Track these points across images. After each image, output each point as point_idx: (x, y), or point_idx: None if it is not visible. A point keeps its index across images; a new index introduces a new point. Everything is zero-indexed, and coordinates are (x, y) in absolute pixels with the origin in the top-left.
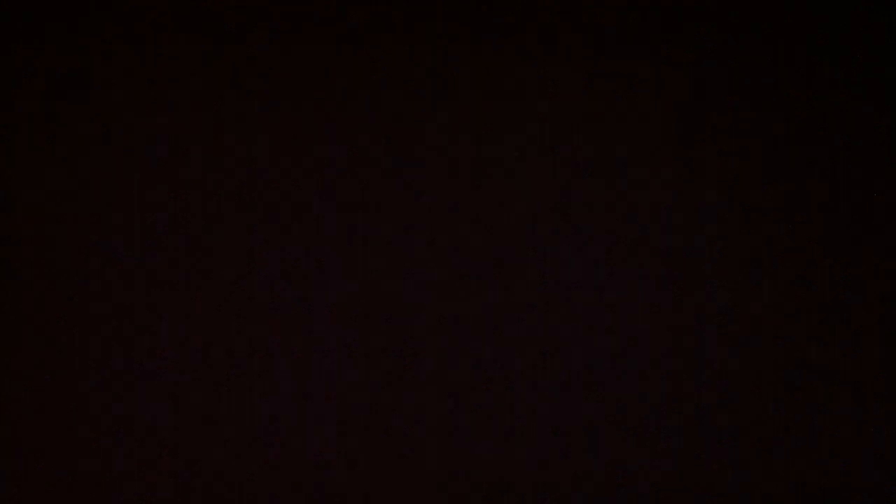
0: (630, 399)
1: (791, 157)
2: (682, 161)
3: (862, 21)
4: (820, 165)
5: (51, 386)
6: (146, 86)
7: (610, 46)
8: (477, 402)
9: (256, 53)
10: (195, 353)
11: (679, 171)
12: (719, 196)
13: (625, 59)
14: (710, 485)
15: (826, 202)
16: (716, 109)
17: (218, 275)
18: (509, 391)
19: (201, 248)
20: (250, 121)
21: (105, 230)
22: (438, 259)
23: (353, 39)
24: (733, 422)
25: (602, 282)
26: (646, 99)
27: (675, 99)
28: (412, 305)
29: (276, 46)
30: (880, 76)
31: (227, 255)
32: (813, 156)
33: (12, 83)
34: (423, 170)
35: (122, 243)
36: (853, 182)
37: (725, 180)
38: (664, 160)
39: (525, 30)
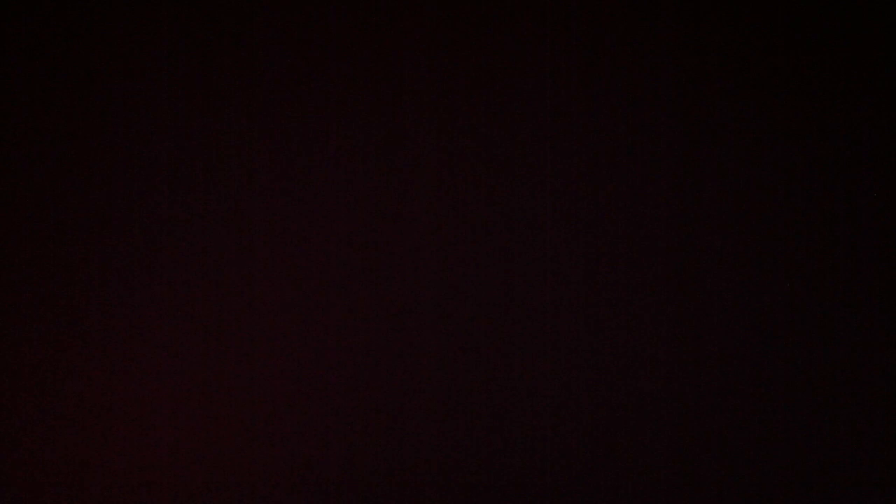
0: (630, 399)
1: (791, 157)
2: (682, 161)
3: (862, 21)
4: (820, 165)
5: (51, 386)
6: (146, 85)
7: (610, 46)
8: (478, 402)
9: (256, 53)
10: (194, 353)
11: (679, 171)
12: (719, 196)
13: (625, 59)
14: (711, 485)
15: (826, 202)
16: (716, 109)
17: (217, 274)
18: (510, 391)
19: (201, 247)
20: (250, 121)
21: (105, 230)
22: (439, 259)
23: (354, 39)
24: (733, 422)
25: (603, 281)
26: (646, 99)
27: (675, 99)
28: (413, 305)
29: (276, 47)
30: (881, 76)
31: (226, 255)
32: (813, 156)
33: (12, 83)
34: (422, 170)
35: (122, 243)
36: (853, 182)
37: (725, 180)
38: (664, 160)
39: (525, 29)
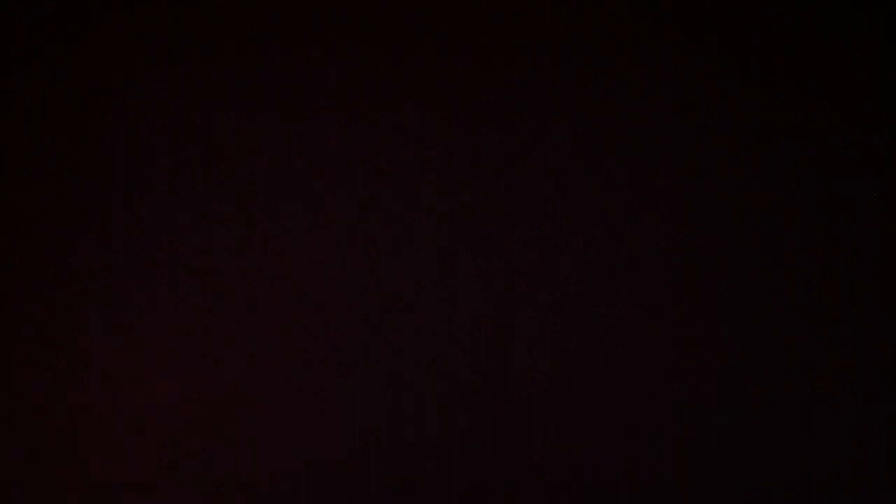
0: (630, 399)
1: (791, 157)
2: (682, 161)
3: (862, 21)
4: (820, 165)
5: (51, 386)
6: (146, 85)
7: (610, 46)
8: (478, 402)
9: (256, 53)
10: (194, 352)
11: (679, 172)
12: (719, 197)
13: (625, 59)
14: (710, 485)
15: (826, 202)
16: (716, 109)
17: (217, 274)
18: (510, 391)
19: (199, 248)
20: (250, 121)
21: (105, 230)
22: (439, 259)
23: (354, 39)
24: (733, 422)
25: (603, 282)
26: (646, 99)
27: (674, 99)
28: (413, 306)
29: (276, 46)
30: (880, 76)
31: (226, 255)
32: (813, 156)
33: (12, 83)
34: (422, 170)
35: (122, 243)
36: (853, 182)
37: (725, 180)
38: (664, 160)
39: (523, 29)
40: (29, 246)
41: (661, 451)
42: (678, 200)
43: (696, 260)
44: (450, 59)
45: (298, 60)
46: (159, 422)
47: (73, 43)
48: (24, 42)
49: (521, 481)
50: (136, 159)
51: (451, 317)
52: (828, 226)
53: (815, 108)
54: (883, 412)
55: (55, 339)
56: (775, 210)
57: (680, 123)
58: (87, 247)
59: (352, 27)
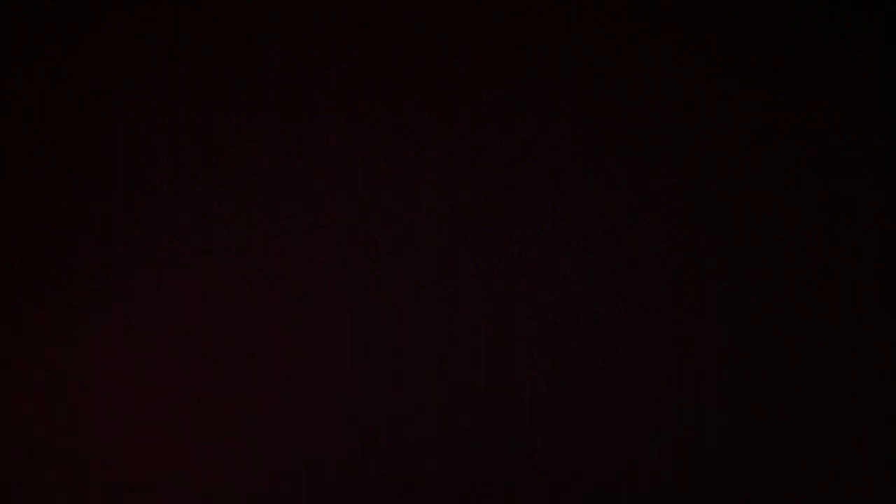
0: (630, 399)
1: (791, 158)
2: (682, 161)
3: (862, 21)
4: (820, 165)
5: (50, 384)
6: (146, 85)
7: (610, 46)
8: (478, 402)
9: (256, 55)
10: (194, 353)
11: (679, 172)
12: (719, 197)
13: (625, 59)
14: (710, 485)
15: (826, 202)
16: (716, 109)
17: (217, 274)
18: (510, 391)
19: (199, 248)
20: (250, 121)
21: (104, 230)
22: (438, 260)
23: (354, 39)
24: (733, 422)
25: (603, 282)
26: (646, 99)
27: (674, 99)
28: (413, 306)
29: (276, 46)
30: (880, 76)
31: (225, 255)
32: (813, 156)
33: (12, 83)
34: (422, 170)
35: (122, 243)
36: (853, 182)
37: (725, 181)
38: (664, 160)
39: (523, 29)
40: (29, 246)
41: (661, 451)
42: (678, 200)
43: (696, 260)
44: (450, 59)
45: (298, 60)
46: (159, 422)
47: (73, 43)
48: (24, 42)
49: (521, 481)
50: (136, 159)
51: (451, 317)
52: (828, 226)
53: (815, 108)
54: (883, 412)
55: (55, 339)
56: (775, 210)
57: (680, 123)
58: (87, 247)
59: (352, 27)
